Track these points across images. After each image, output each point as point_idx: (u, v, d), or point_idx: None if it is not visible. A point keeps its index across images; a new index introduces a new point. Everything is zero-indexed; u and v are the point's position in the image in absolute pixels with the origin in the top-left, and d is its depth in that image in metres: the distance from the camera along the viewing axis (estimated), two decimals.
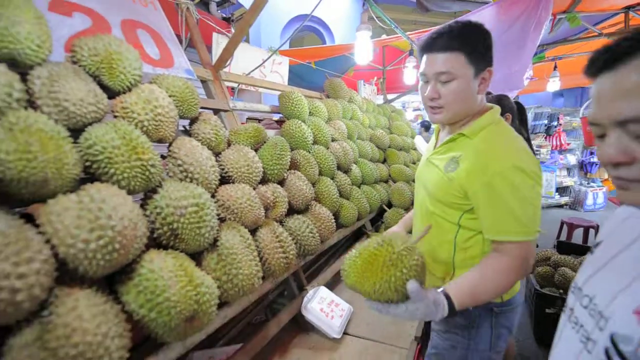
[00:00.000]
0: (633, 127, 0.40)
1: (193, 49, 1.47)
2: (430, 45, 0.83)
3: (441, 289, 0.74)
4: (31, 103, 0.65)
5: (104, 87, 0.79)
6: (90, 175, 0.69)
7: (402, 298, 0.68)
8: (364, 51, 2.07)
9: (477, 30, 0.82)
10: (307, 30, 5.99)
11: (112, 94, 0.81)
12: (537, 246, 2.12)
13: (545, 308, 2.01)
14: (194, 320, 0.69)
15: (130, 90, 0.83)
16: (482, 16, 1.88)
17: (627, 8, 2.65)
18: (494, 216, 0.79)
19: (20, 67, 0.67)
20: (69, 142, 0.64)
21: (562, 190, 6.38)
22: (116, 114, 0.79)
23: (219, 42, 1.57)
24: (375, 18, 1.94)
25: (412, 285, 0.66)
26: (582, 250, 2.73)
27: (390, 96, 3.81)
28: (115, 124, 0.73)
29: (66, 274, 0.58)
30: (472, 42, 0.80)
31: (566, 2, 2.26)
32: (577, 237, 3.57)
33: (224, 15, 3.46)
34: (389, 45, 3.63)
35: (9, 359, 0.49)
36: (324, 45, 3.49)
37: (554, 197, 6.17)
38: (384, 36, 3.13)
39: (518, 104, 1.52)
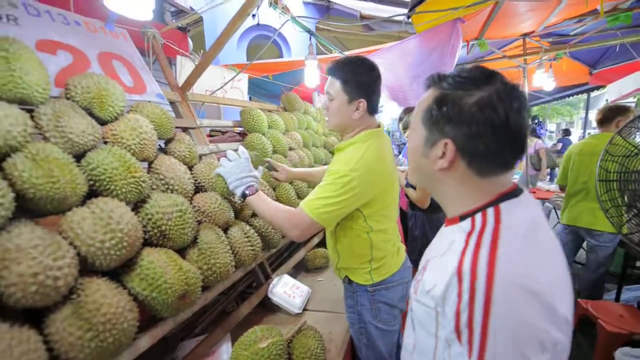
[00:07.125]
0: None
1: (155, 66, 1.61)
2: (328, 70, 1.09)
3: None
4: (40, 135, 0.82)
5: (93, 117, 0.95)
6: (92, 191, 0.87)
7: None
8: (312, 77, 2.44)
9: (356, 66, 1.04)
10: (265, 41, 6.13)
11: (101, 122, 0.98)
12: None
13: None
14: (185, 298, 0.90)
15: (117, 119, 1.01)
16: (409, 44, 2.29)
17: (524, 35, 3.32)
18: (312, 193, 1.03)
19: (27, 105, 0.82)
20: (75, 166, 0.82)
21: None
22: (107, 140, 0.96)
23: (183, 64, 1.73)
24: (321, 47, 2.24)
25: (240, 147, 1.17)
26: None
27: None
28: (110, 149, 0.91)
29: (84, 268, 0.76)
30: (346, 74, 1.03)
31: (477, 30, 2.79)
32: None
33: (180, 25, 3.51)
34: None
35: (53, 328, 0.67)
36: (280, 61, 3.72)
37: None
38: (335, 52, 3.47)
39: None
